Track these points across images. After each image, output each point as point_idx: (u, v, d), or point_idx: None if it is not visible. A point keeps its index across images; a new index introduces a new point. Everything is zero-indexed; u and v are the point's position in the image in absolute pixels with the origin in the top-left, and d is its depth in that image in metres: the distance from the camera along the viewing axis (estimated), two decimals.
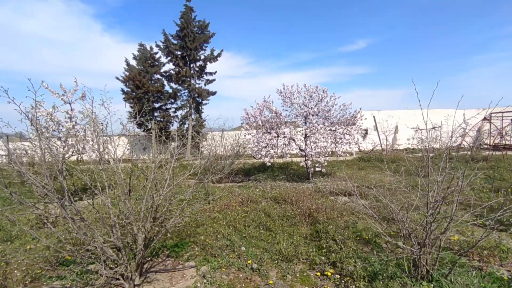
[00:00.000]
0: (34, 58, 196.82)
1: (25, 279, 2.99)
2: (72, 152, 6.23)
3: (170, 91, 17.56)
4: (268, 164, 8.64)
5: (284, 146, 8.56)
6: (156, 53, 17.57)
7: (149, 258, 3.49)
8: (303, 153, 8.48)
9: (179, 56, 16.99)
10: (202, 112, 18.42)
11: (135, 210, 2.92)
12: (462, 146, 13.59)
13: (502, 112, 13.97)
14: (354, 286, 2.82)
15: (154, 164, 3.15)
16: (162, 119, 17.67)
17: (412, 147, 15.58)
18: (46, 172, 2.55)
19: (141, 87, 16.36)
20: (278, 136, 8.55)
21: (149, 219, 2.90)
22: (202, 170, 4.53)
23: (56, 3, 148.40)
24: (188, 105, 17.54)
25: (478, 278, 2.69)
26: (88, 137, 6.23)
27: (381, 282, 2.72)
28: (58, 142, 6.30)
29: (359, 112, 8.43)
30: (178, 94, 17.74)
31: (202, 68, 17.60)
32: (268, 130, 8.53)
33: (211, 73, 17.86)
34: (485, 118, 13.99)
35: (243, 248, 3.61)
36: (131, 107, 16.10)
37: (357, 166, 10.86)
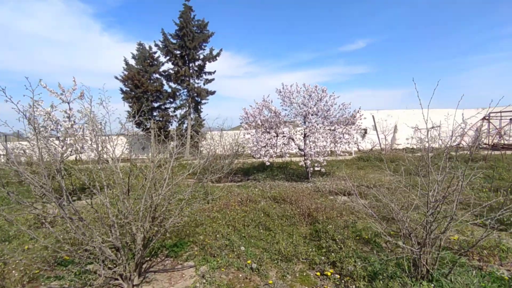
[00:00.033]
0: (34, 58, 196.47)
1: (23, 279, 2.97)
2: (71, 151, 6.21)
3: (169, 90, 17.55)
4: (267, 163, 8.64)
5: (283, 145, 8.55)
6: (155, 52, 17.55)
7: (148, 258, 3.47)
8: (302, 153, 8.47)
9: (178, 55, 16.96)
10: (201, 112, 18.44)
11: (134, 210, 2.90)
12: (461, 146, 13.61)
13: (501, 112, 13.99)
14: (354, 286, 2.81)
15: (153, 163, 3.13)
16: (161, 119, 17.64)
17: (411, 147, 15.60)
18: (44, 171, 2.53)
19: (140, 86, 16.33)
20: (277, 136, 8.53)
21: (148, 219, 2.89)
22: (201, 169, 4.51)
23: (55, 3, 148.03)
24: (187, 104, 17.52)
25: (478, 278, 2.68)
26: (86, 136, 6.21)
27: (381, 282, 2.71)
28: (57, 142, 6.27)
29: (358, 112, 8.44)
30: (177, 93, 17.73)
31: (201, 68, 17.59)
32: (267, 130, 8.51)
33: (210, 73, 17.85)
34: (484, 118, 14.01)
35: (242, 248, 3.60)
36: (130, 106, 16.09)
37: (356, 165, 10.88)
